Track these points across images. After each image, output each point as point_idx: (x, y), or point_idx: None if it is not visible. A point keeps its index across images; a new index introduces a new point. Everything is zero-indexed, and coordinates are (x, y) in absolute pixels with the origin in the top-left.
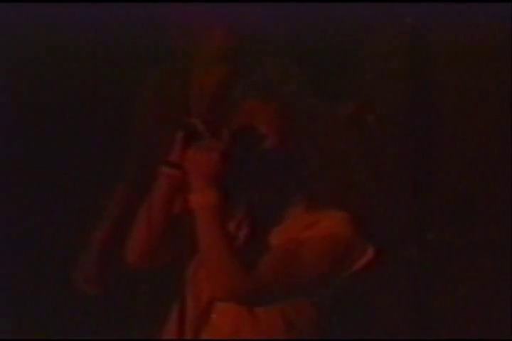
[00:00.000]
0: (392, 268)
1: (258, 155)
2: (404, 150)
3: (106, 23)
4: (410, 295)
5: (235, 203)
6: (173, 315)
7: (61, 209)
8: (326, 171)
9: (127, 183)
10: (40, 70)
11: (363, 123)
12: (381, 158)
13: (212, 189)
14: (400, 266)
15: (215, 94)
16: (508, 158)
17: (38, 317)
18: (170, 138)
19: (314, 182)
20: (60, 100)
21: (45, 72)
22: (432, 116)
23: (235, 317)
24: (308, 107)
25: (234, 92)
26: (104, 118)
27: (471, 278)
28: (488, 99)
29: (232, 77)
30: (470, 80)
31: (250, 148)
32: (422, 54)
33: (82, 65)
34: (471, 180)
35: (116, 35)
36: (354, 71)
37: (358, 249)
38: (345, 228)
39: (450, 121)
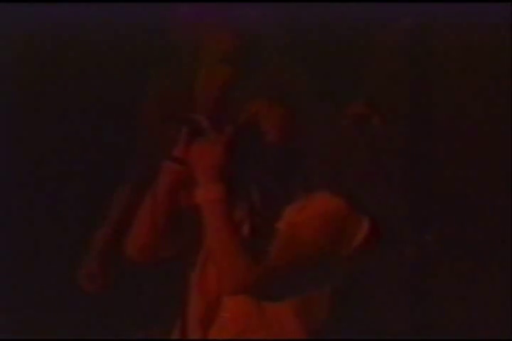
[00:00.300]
0: (390, 268)
1: (260, 150)
2: (403, 150)
3: (110, 23)
4: (408, 295)
5: (237, 198)
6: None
7: (63, 208)
8: (325, 169)
9: (130, 182)
10: (42, 70)
11: (370, 123)
12: (381, 157)
13: (218, 183)
14: (398, 266)
15: (219, 94)
16: (507, 158)
17: (38, 317)
18: (173, 137)
19: (314, 178)
20: (63, 100)
21: (48, 71)
22: (432, 117)
23: (244, 315)
24: (312, 108)
25: (242, 92)
26: (107, 119)
27: (470, 278)
28: (488, 99)
29: (235, 77)
30: (470, 80)
31: (253, 144)
32: (421, 54)
33: (85, 66)
34: (470, 179)
35: (121, 35)
36: (354, 71)
37: (353, 221)
38: (337, 204)
39: (450, 121)
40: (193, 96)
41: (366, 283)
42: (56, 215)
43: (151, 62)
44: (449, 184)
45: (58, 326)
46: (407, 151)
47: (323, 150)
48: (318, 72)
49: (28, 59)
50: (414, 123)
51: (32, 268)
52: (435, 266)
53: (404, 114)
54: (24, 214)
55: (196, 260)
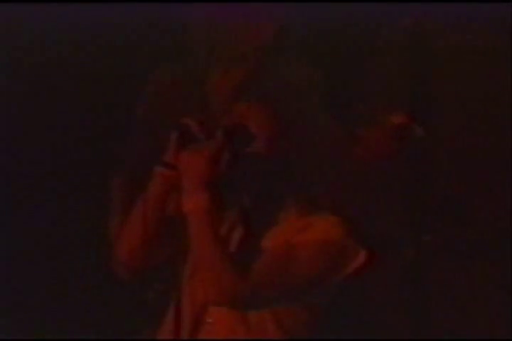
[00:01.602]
0: (389, 269)
1: (250, 157)
2: (402, 150)
3: (113, 21)
4: (408, 296)
5: (227, 206)
6: (169, 316)
7: (61, 206)
8: (318, 175)
9: (126, 178)
10: (43, 69)
11: (412, 134)
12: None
13: (203, 192)
14: (397, 267)
15: (233, 95)
16: (506, 158)
17: (38, 317)
18: (167, 138)
19: (307, 186)
20: (63, 98)
21: (50, 69)
22: (431, 117)
23: (228, 323)
24: (301, 110)
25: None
26: (110, 117)
27: (469, 279)
28: (488, 99)
29: (248, 78)
30: (470, 80)
31: (242, 148)
32: (421, 54)
33: (88, 65)
34: (468, 180)
35: (125, 34)
36: (353, 71)
37: (350, 252)
38: (337, 232)
39: (449, 122)
40: (204, 96)
41: (365, 283)
42: (55, 213)
43: (157, 60)
44: (448, 184)
45: (57, 326)
46: (406, 151)
47: (317, 155)
48: (317, 72)
49: (27, 58)
50: None
51: (30, 267)
52: (434, 267)
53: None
54: (23, 212)
55: (186, 266)
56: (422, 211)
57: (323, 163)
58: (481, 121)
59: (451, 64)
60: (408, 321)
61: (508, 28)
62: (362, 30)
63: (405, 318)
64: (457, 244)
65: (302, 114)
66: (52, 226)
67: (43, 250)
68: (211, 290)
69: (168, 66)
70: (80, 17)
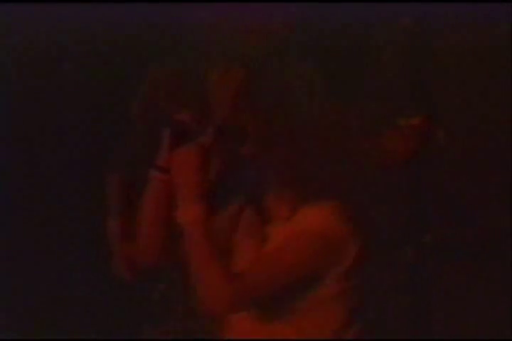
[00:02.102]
0: (388, 269)
1: (243, 158)
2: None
3: (121, 21)
4: (407, 296)
5: (220, 204)
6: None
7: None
8: (318, 174)
9: (122, 176)
10: (43, 68)
11: (431, 136)
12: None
13: (196, 203)
14: (397, 267)
15: (233, 97)
16: (506, 158)
17: (36, 317)
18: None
19: (304, 182)
20: (65, 98)
21: (50, 68)
22: (432, 117)
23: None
24: (302, 110)
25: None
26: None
27: (468, 280)
28: (488, 99)
29: (248, 78)
30: (470, 80)
31: (235, 145)
32: (421, 54)
33: (93, 64)
34: (468, 181)
35: (132, 33)
36: (353, 71)
37: (348, 241)
38: (334, 220)
39: (449, 121)
40: (203, 96)
41: (366, 283)
42: (55, 213)
43: (157, 60)
44: (449, 184)
45: (57, 326)
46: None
47: (318, 155)
48: (318, 72)
49: (26, 57)
50: None
51: (31, 267)
52: (435, 267)
53: (403, 114)
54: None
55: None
56: (422, 211)
57: (325, 163)
58: (481, 121)
59: (451, 64)
60: (408, 321)
61: (508, 28)
62: (362, 30)
63: (405, 318)
64: (457, 244)
65: (302, 114)
66: (53, 226)
67: (43, 250)
68: (209, 303)
69: (167, 65)
70: (79, 17)
